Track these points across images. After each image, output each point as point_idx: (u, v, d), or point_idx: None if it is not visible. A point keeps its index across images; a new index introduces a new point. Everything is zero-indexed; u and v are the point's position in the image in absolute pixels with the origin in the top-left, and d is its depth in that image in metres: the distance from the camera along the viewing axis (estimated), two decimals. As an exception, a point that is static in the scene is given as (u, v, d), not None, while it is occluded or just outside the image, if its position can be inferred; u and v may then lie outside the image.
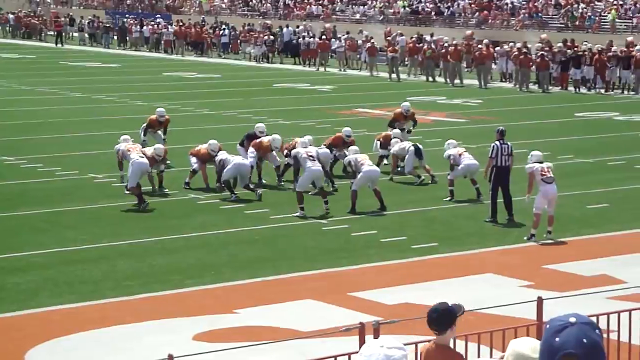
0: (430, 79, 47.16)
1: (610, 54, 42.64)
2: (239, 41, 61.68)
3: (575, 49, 44.26)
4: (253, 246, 17.61)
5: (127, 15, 73.53)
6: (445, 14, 62.82)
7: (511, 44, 46.45)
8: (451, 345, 7.68)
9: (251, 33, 60.88)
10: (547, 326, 3.77)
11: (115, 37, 69.25)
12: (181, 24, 64.43)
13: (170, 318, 13.65)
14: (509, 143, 19.08)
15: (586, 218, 19.49)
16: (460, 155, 21.08)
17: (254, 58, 58.10)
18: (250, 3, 76.25)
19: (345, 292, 14.79)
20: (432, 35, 51.51)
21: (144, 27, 66.67)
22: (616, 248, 17.20)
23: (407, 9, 65.09)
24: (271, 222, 19.31)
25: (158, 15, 73.31)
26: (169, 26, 65.44)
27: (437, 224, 19.13)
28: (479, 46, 46.43)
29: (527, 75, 43.78)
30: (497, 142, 18.83)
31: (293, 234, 18.52)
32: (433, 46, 48.04)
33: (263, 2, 75.42)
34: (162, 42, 64.25)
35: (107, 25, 71.46)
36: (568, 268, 15.90)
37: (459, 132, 27.89)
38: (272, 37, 59.07)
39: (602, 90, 42.33)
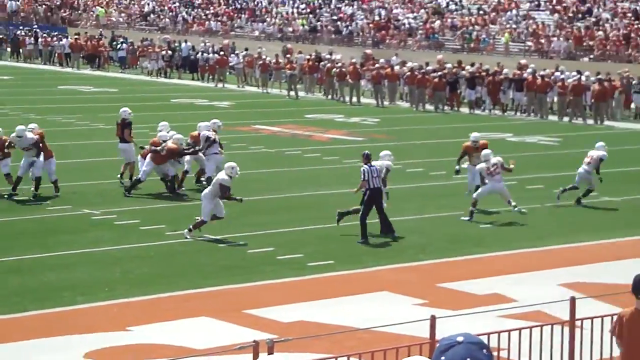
0: (335, 96, 47.28)
1: (502, 76, 43.44)
2: (137, 55, 61.14)
3: (474, 69, 44.96)
4: (148, 262, 17.41)
5: (21, 27, 72.25)
6: (343, 33, 63.29)
7: (409, 64, 46.97)
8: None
9: (149, 48, 60.41)
10: (437, 345, 3.80)
11: (9, 49, 68.04)
12: (77, 37, 63.57)
13: (61, 335, 13.38)
14: (376, 165, 19.47)
15: (480, 237, 19.75)
16: (488, 172, 21.39)
17: (150, 73, 57.69)
18: (149, 18, 75.71)
19: (240, 309, 14.70)
20: (331, 54, 51.79)
21: (39, 40, 65.64)
22: (508, 267, 17.46)
23: (305, 27, 65.39)
24: (167, 239, 19.12)
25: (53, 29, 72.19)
26: (64, 39, 64.50)
27: (333, 242, 19.17)
28: (376, 65, 46.88)
29: (423, 95, 44.33)
30: (366, 166, 19.26)
31: (189, 251, 18.37)
32: (339, 64, 48.22)
33: (161, 17, 74.96)
34: (56, 54, 63.37)
35: (0, 37, 70.15)
36: (461, 286, 16.07)
37: (357, 150, 28.03)
38: (170, 52, 58.73)
39: (497, 112, 43.10)
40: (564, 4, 57.48)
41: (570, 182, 22.88)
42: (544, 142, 33.96)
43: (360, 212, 19.27)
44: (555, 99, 43.09)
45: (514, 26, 56.85)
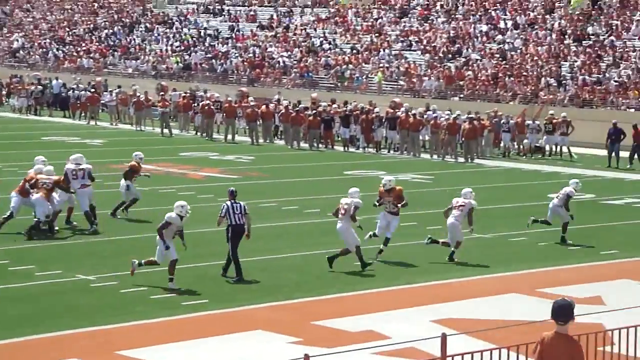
0: (205, 135, 47.23)
1: (375, 114, 44.03)
2: (4, 92, 59.94)
3: (345, 108, 45.47)
4: (15, 304, 16.97)
5: None
6: (218, 70, 63.29)
7: (285, 101, 47.25)
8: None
9: (18, 85, 59.32)
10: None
11: None
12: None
13: None
14: (241, 203, 19.48)
15: (355, 274, 19.86)
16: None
17: (18, 110, 56.63)
18: (18, 54, 74.37)
19: (112, 350, 14.44)
20: (205, 92, 51.72)
21: None
22: (382, 303, 17.59)
23: (179, 64, 65.17)
24: (37, 279, 18.68)
25: None
26: None
27: (207, 280, 19.03)
28: (252, 103, 47.01)
29: (298, 132, 44.59)
30: (228, 202, 19.34)
31: (59, 291, 17.98)
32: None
33: (31, 53, 73.73)
34: None
35: None
36: (336, 324, 16.12)
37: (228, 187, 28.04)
38: (40, 87, 57.72)
39: (370, 149, 43.62)
40: (435, 45, 58.68)
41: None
42: (416, 180, 34.47)
43: (229, 250, 19.19)
44: (427, 137, 43.87)
45: (386, 65, 57.74)
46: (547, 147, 43.23)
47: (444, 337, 10.71)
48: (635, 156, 39.28)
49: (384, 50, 59.57)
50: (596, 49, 52.93)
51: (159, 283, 18.50)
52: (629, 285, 19.01)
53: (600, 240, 23.76)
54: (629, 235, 24.53)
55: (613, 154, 39.66)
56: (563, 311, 9.55)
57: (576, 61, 52.37)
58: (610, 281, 19.29)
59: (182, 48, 67.96)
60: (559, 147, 42.92)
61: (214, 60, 64.35)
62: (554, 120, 42.84)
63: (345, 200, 20.62)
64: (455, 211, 21.23)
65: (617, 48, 52.33)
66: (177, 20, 73.40)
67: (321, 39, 63.51)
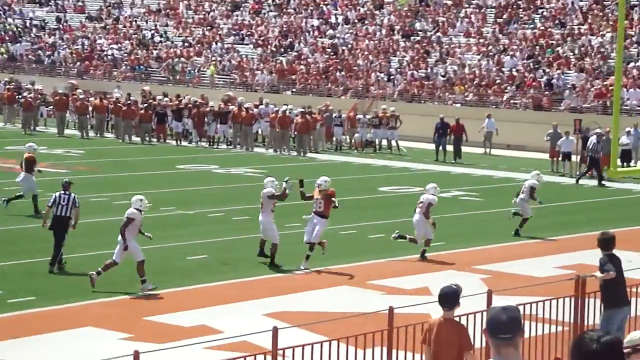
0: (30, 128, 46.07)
1: (208, 108, 43.88)
2: None
3: (178, 101, 45.16)
4: None
5: None
6: (45, 62, 61.83)
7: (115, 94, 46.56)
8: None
9: None
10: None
11: None
12: None
13: None
14: (71, 194, 19.22)
15: (187, 269, 19.75)
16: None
17: None
18: None
19: None
20: (33, 84, 50.46)
21: None
22: (215, 298, 17.56)
23: (4, 55, 63.37)
24: None
25: None
26: None
27: (37, 277, 18.59)
28: (81, 96, 46.15)
29: (129, 126, 44.01)
30: (58, 193, 19.21)
31: None
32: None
33: None
34: None
35: None
36: (168, 319, 16.01)
37: (58, 181, 27.52)
38: None
39: (203, 144, 43.45)
40: (267, 39, 58.88)
41: (282, 213, 23.32)
42: (249, 174, 34.53)
43: (54, 243, 18.85)
44: (260, 130, 44.01)
45: (219, 59, 57.61)
46: (377, 141, 43.98)
47: (275, 331, 10.77)
48: (453, 147, 40.30)
49: (216, 44, 59.40)
50: (424, 44, 54.16)
51: (-16, 281, 17.98)
52: (454, 275, 19.54)
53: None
54: (456, 228, 25.19)
55: (440, 147, 40.68)
56: (448, 298, 10.24)
57: (405, 57, 53.46)
58: (437, 272, 19.78)
59: (7, 39, 66.09)
60: (388, 141, 43.71)
61: (40, 52, 62.83)
62: (380, 115, 43.64)
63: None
64: (417, 208, 21.48)
65: (444, 44, 53.68)
66: (0, 10, 71.30)
67: (152, 31, 62.84)
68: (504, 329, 5.42)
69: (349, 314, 15.46)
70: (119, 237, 17.94)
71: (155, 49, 60.18)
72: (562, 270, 19.61)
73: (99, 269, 17.84)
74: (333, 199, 20.20)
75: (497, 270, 20.10)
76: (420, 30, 55.79)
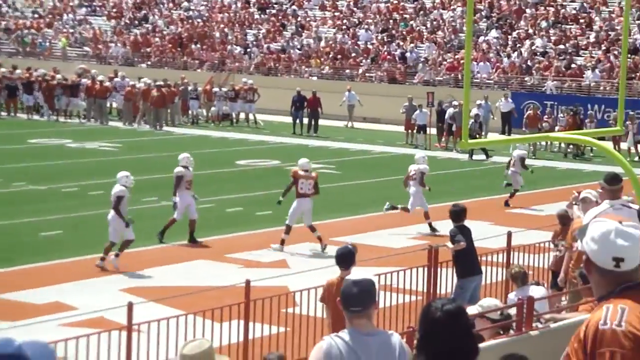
0: None
1: (55, 82, 42.91)
2: None
3: (28, 74, 44.07)
4: None
5: None
6: None
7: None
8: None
9: None
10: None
11: None
12: None
13: None
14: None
15: (38, 245, 19.33)
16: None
17: None
18: None
19: None
20: None
21: None
22: (67, 275, 17.24)
23: None
24: None
25: None
26: None
27: None
28: None
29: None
30: None
31: None
32: None
33: None
34: None
35: None
36: (21, 297, 15.66)
37: None
38: None
39: (55, 117, 42.52)
40: (120, 10, 57.93)
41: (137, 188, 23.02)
42: (104, 148, 33.99)
43: None
44: (115, 104, 43.37)
45: (70, 31, 56.42)
46: (234, 115, 43.85)
47: (130, 306, 10.67)
48: (308, 120, 40.55)
49: (67, 15, 58.13)
50: (280, 17, 54.18)
51: None
52: (310, 248, 19.69)
53: (286, 205, 24.39)
54: (315, 201, 25.35)
55: (297, 120, 40.85)
56: (345, 257, 10.93)
57: (261, 29, 53.39)
58: (294, 245, 19.88)
59: None
60: (246, 114, 43.62)
61: None
62: (237, 88, 43.52)
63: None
64: (410, 181, 21.85)
65: (299, 17, 53.82)
66: None
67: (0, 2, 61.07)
68: (355, 302, 5.56)
69: (206, 287, 15.41)
70: (109, 217, 17.76)
71: (4, 20, 58.51)
72: (416, 241, 19.98)
73: (102, 255, 17.58)
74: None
75: (355, 242, 20.29)
76: (275, 3, 55.78)
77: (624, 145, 34.10)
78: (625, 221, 4.38)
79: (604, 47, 43.14)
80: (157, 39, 53.67)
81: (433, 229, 21.38)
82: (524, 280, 11.52)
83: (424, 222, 21.95)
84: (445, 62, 45.90)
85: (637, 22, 44.10)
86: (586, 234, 4.33)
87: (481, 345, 7.21)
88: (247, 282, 11.67)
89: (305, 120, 40.78)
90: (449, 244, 14.01)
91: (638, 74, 40.53)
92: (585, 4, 47.36)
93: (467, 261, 13.95)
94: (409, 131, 38.03)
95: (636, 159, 33.49)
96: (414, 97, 38.54)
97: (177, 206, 19.80)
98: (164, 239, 19.81)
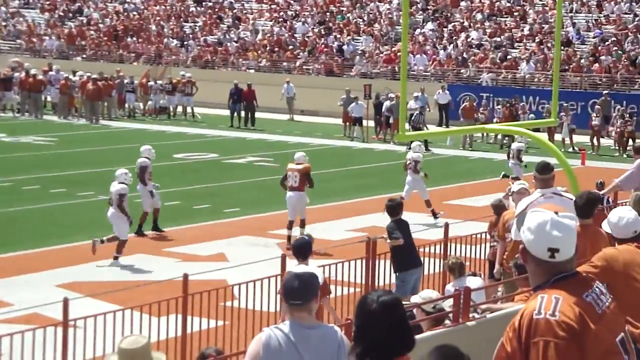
0: None
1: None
2: None
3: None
4: None
5: None
6: None
7: None
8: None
9: None
10: None
11: None
12: None
13: None
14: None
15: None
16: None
17: None
18: None
19: None
20: None
21: None
22: (2, 271, 16.98)
23: None
24: None
25: None
26: None
27: None
28: None
29: None
30: None
31: None
32: None
33: None
34: None
35: None
36: (-47, 294, 15.42)
37: None
38: None
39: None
40: (54, 3, 57.27)
41: (73, 182, 22.88)
42: (39, 142, 33.59)
43: None
44: (50, 98, 42.88)
45: (3, 24, 55.63)
46: (171, 108, 43.57)
47: (65, 301, 10.55)
48: (245, 114, 40.40)
49: (0, 8, 57.30)
50: (216, 10, 53.94)
51: None
52: (249, 241, 19.65)
53: (224, 198, 24.36)
54: (250, 193, 25.32)
55: (235, 113, 40.71)
56: (301, 249, 11.30)
57: (197, 22, 53.10)
58: (233, 238, 19.83)
59: None
60: (184, 108, 43.35)
61: None
62: (175, 81, 43.26)
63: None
64: (408, 170, 22.12)
65: (236, 10, 53.62)
66: None
67: None
68: (296, 295, 5.57)
69: (144, 282, 15.30)
70: (109, 213, 17.81)
71: None
72: (355, 233, 20.02)
73: (115, 254, 17.62)
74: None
75: (293, 235, 20.29)
76: (212, -4, 55.56)
77: (558, 137, 34.50)
78: (559, 210, 4.42)
79: (537, 40, 43.59)
80: (92, 32, 53.13)
81: (435, 216, 21.69)
82: (461, 271, 11.60)
83: (360, 214, 22.00)
84: (382, 55, 46.04)
85: (569, 14, 44.63)
86: (523, 225, 4.38)
87: (418, 336, 7.25)
88: (185, 276, 11.60)
89: (243, 114, 40.66)
90: (388, 239, 14.06)
91: (571, 65, 41.02)
92: (519, -3, 47.84)
93: (406, 255, 14.00)
94: (346, 124, 38.10)
95: (570, 150, 33.92)
96: (352, 90, 38.61)
97: (154, 194, 19.98)
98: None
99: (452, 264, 11.79)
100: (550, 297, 4.23)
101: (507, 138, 35.06)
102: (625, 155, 32.78)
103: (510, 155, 25.97)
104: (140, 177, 20.07)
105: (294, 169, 19.54)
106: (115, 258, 17.64)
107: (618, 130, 34.84)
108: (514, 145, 26.25)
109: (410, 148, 22.49)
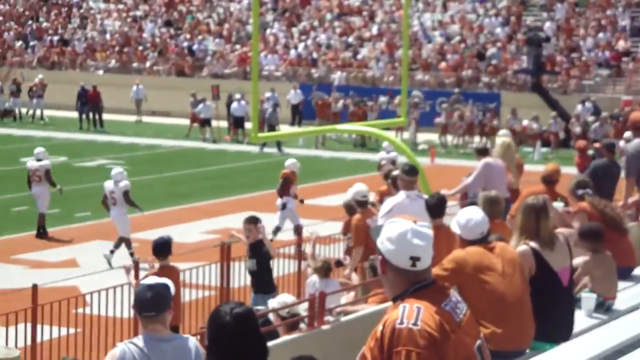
0: None
1: None
2: None
3: None
4: None
5: None
6: None
7: None
8: None
9: None
10: None
11: None
12: None
13: None
14: None
15: None
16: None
17: None
18: None
19: None
20: None
21: None
22: None
23: None
24: None
25: None
26: None
27: None
28: None
29: None
30: None
31: None
32: None
33: None
34: None
35: None
36: None
37: None
38: None
39: None
40: None
41: None
42: None
43: None
44: None
45: None
46: (17, 110, 42.45)
47: None
48: (92, 116, 39.62)
49: None
50: (63, 9, 52.84)
51: None
52: (100, 246, 19.30)
53: (74, 202, 23.86)
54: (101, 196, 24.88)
55: (84, 115, 39.95)
56: (161, 248, 11.44)
57: (43, 22, 51.93)
58: (84, 243, 19.45)
59: None
60: (31, 110, 42.28)
61: None
62: (18, 82, 42.20)
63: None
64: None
65: (83, 9, 52.67)
66: None
67: None
68: (149, 307, 5.50)
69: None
70: (113, 213, 18.04)
71: None
72: (209, 235, 19.91)
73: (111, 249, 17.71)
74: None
75: (145, 239, 20.05)
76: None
77: (406, 135, 35.03)
78: (415, 219, 4.47)
79: (386, 39, 44.21)
80: None
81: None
82: (327, 274, 11.53)
83: (214, 216, 21.89)
84: (233, 55, 45.95)
85: (416, 14, 45.43)
86: (381, 234, 4.39)
87: (274, 342, 7.23)
88: (34, 287, 11.27)
89: (91, 115, 39.93)
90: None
91: (419, 64, 41.77)
92: (367, -3, 48.44)
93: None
94: (192, 125, 37.76)
95: (420, 148, 34.43)
96: (203, 90, 38.36)
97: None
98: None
99: (319, 266, 11.70)
100: (412, 306, 4.27)
101: (356, 136, 35.45)
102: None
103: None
104: (48, 179, 20.08)
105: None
106: (112, 252, 17.79)
107: (466, 127, 35.66)
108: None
109: (385, 147, 22.46)
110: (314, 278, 11.33)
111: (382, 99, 38.28)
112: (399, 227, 4.34)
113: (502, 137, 15.42)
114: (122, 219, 18.11)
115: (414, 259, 4.32)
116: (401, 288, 4.35)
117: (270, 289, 12.16)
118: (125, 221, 18.14)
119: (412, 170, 11.15)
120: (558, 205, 10.09)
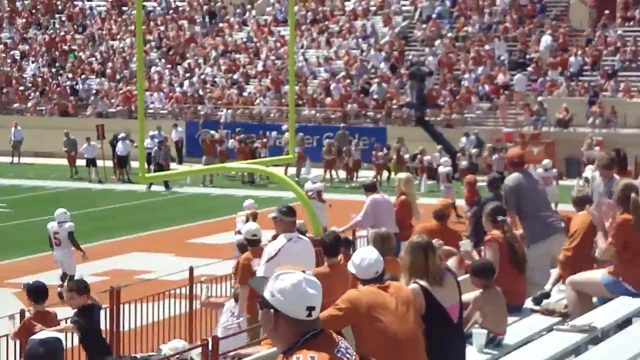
0: None
1: None
2: None
3: None
4: None
5: None
6: None
7: None
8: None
9: None
10: None
11: None
12: None
13: None
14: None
15: None
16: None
17: None
18: None
19: None
20: None
21: None
22: None
23: None
24: None
25: None
26: None
27: None
28: None
29: None
30: None
31: None
32: None
33: None
34: None
35: None
36: None
37: None
38: None
39: None
40: None
41: None
42: None
43: None
44: None
45: None
46: None
47: None
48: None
49: None
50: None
51: None
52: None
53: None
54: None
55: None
56: (34, 291, 11.23)
57: None
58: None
59: None
60: None
61: None
62: None
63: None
64: (311, 199, 21.25)
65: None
66: None
67: None
68: None
69: None
70: (57, 254, 18.00)
71: None
72: (97, 277, 19.58)
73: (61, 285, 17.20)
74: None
75: (42, 279, 19.59)
76: None
77: (291, 170, 34.98)
78: (306, 257, 4.47)
79: (271, 76, 44.35)
80: None
81: None
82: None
83: (102, 258, 21.55)
84: (118, 94, 45.50)
85: (301, 50, 45.69)
86: (269, 286, 4.31)
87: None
88: None
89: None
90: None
91: (304, 100, 42.01)
92: (251, 34, 48.50)
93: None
94: (72, 165, 37.27)
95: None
96: (88, 130, 37.77)
97: None
98: None
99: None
100: (306, 356, 4.25)
101: (244, 174, 35.36)
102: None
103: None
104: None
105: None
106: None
107: (353, 162, 35.92)
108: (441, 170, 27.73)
109: (312, 179, 22.77)
110: (231, 303, 11.26)
111: (273, 134, 38.46)
112: (292, 278, 4.29)
113: (400, 174, 15.66)
114: (68, 259, 18.20)
115: (310, 309, 4.30)
116: (293, 339, 4.31)
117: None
118: (72, 260, 18.23)
119: (290, 211, 10.66)
120: (464, 243, 10.11)
